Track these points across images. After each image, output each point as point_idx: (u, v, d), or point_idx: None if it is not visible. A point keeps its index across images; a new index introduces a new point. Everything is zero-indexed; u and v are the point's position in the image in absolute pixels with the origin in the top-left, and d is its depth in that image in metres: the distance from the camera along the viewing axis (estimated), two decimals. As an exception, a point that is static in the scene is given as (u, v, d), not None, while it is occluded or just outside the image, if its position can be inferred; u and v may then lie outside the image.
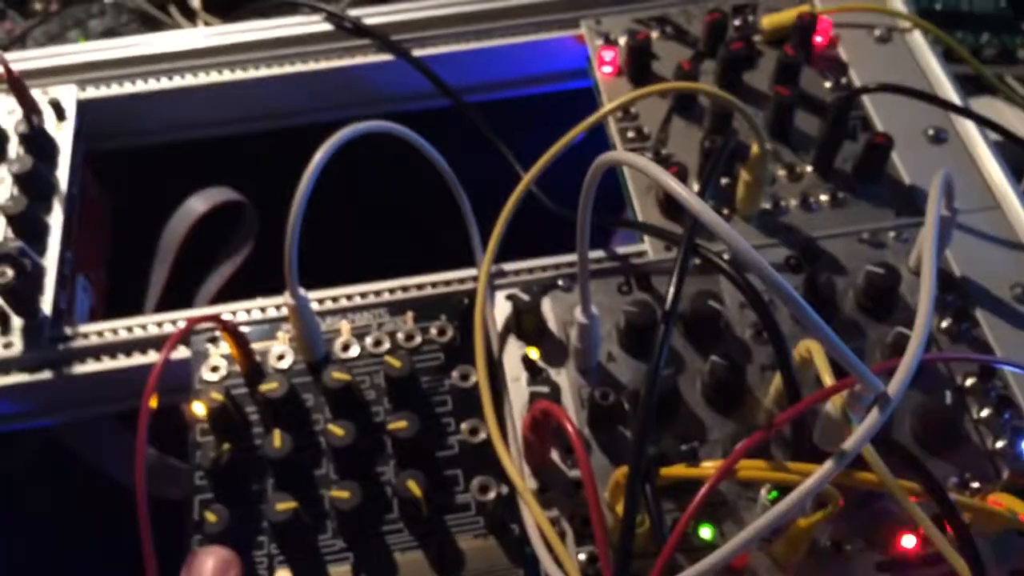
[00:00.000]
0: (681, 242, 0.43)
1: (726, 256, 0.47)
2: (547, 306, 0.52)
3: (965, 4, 0.87)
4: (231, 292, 0.54)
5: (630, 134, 0.59)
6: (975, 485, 0.45)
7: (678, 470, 0.40)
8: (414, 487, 0.43)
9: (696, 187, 0.55)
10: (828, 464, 0.32)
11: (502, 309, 0.52)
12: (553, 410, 0.41)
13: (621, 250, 0.54)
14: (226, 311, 0.52)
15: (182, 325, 0.50)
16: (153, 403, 0.42)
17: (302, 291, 0.46)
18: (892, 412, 0.33)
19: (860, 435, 0.33)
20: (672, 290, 0.42)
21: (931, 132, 0.58)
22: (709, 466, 0.40)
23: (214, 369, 0.49)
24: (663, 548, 0.36)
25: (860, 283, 0.51)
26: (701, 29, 0.63)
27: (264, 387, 0.46)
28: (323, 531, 0.45)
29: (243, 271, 0.65)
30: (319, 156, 0.43)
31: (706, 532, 0.44)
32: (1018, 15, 0.85)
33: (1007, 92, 0.72)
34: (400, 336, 0.51)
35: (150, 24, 0.76)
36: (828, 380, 0.40)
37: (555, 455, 0.47)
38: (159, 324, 0.52)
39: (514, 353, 0.50)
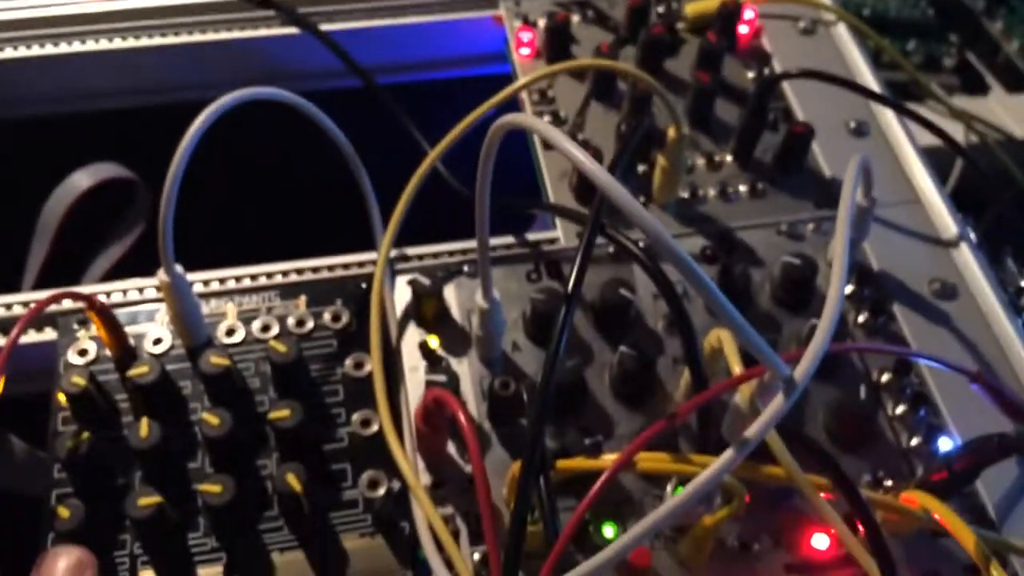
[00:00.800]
0: (588, 219, 0.41)
1: (641, 245, 0.44)
2: (450, 293, 0.49)
3: (892, 10, 0.87)
4: (122, 277, 0.50)
5: (546, 118, 0.57)
6: (888, 483, 0.43)
7: (575, 462, 0.37)
8: (293, 481, 0.39)
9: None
10: (729, 452, 0.30)
11: (402, 295, 0.48)
12: (445, 399, 0.38)
13: (532, 236, 0.52)
14: (100, 291, 0.47)
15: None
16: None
17: (179, 268, 0.43)
18: (799, 398, 0.30)
19: (764, 421, 0.30)
20: (576, 269, 0.39)
21: (853, 124, 0.57)
22: (608, 458, 0.37)
23: (82, 353, 0.45)
24: (555, 545, 0.33)
25: (776, 275, 0.49)
26: (623, 14, 0.61)
27: (133, 372, 0.42)
28: (194, 529, 0.41)
29: (135, 254, 0.61)
30: (198, 122, 0.40)
31: (609, 531, 0.42)
32: (944, 23, 0.85)
33: (933, 96, 0.72)
34: (291, 321, 0.47)
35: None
36: (737, 370, 0.38)
37: (452, 449, 0.44)
38: (25, 304, 0.48)
39: (413, 341, 0.47)
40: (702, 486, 0.30)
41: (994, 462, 0.37)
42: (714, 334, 0.41)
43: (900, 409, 0.45)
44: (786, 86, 0.58)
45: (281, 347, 0.43)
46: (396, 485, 0.42)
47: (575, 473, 0.38)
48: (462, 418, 0.37)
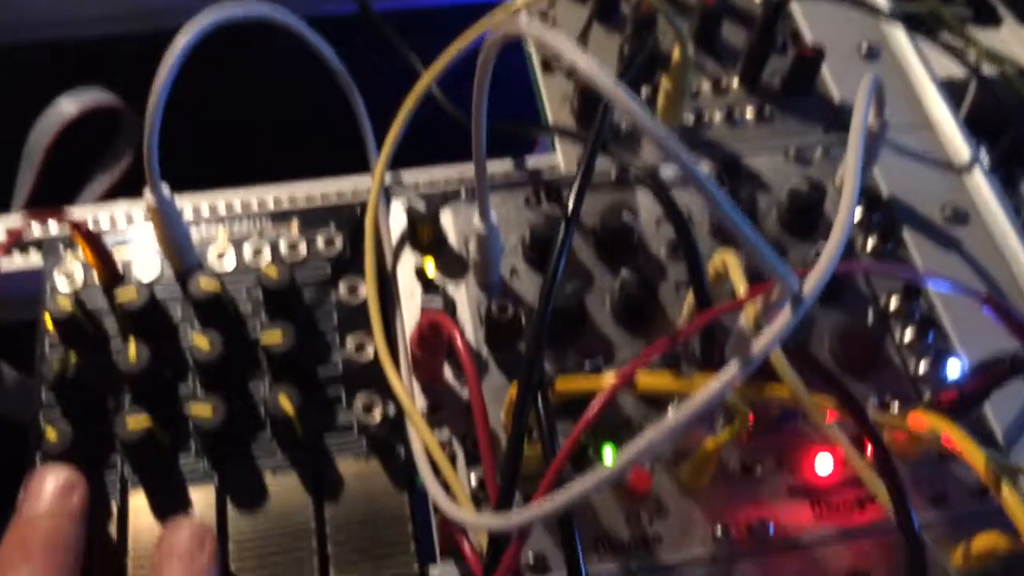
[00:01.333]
0: (590, 133, 0.39)
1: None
2: (447, 218, 0.48)
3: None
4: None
5: (546, 42, 0.55)
6: (895, 408, 0.42)
7: (573, 381, 0.36)
8: (285, 402, 0.38)
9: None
10: (732, 367, 0.29)
11: (398, 220, 0.47)
12: (441, 320, 0.37)
13: (531, 162, 0.50)
14: (87, 215, 0.46)
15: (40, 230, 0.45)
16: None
17: (166, 190, 0.41)
18: (806, 316, 0.29)
19: (770, 335, 0.29)
20: (576, 185, 0.37)
21: (864, 48, 0.55)
22: (608, 376, 0.36)
23: (69, 277, 0.44)
24: (551, 464, 0.32)
25: (783, 200, 0.47)
26: (627, -65, 0.58)
27: (120, 296, 0.41)
28: (186, 451, 0.40)
29: (126, 184, 0.60)
30: (186, 32, 0.38)
31: (608, 454, 0.41)
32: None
33: (947, 24, 0.69)
34: (283, 246, 0.46)
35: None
36: (742, 290, 0.36)
37: (449, 374, 0.43)
38: (9, 231, 0.47)
39: (409, 267, 0.46)
40: (705, 401, 0.29)
41: (1006, 382, 0.35)
42: (718, 256, 0.39)
43: (908, 334, 0.44)
44: (795, 7, 0.56)
45: (272, 272, 0.42)
46: (392, 410, 0.41)
47: (574, 394, 0.36)
48: (458, 339, 0.36)
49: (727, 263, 0.38)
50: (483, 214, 0.41)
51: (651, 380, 0.35)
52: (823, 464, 0.40)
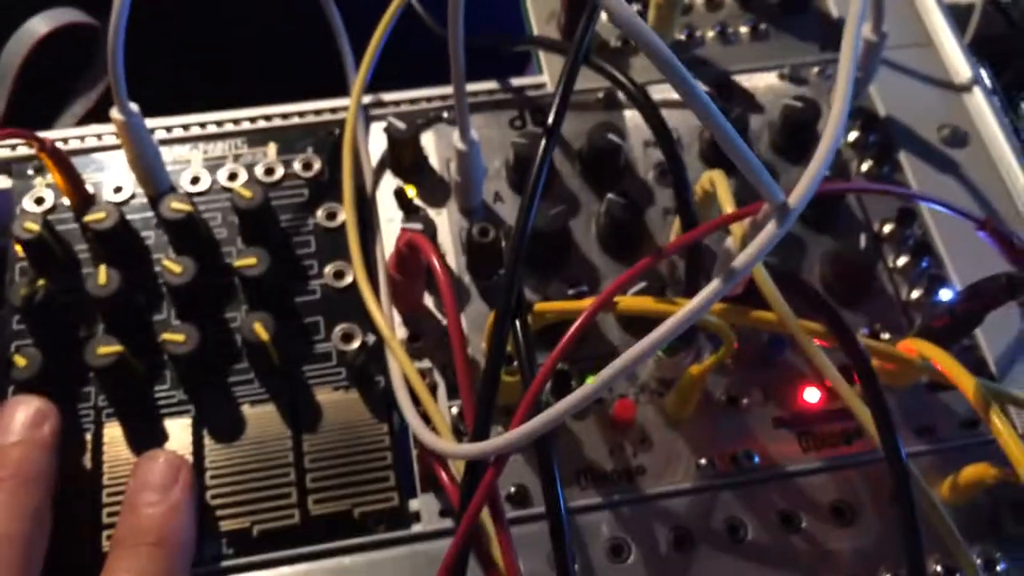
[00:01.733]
0: (574, 41, 0.37)
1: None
2: (428, 140, 0.46)
3: None
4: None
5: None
6: (885, 337, 0.41)
7: (553, 305, 0.35)
8: (260, 329, 0.37)
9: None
10: (715, 283, 0.28)
11: (378, 143, 0.46)
12: (418, 242, 0.36)
13: (516, 82, 0.48)
14: (56, 137, 0.44)
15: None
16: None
17: (134, 107, 0.40)
18: (792, 224, 0.28)
19: (755, 247, 0.28)
20: (559, 95, 0.36)
21: (865, -39, 0.52)
22: (589, 301, 0.35)
23: (38, 200, 0.42)
24: (527, 390, 0.32)
25: (776, 119, 0.46)
26: None
27: (90, 217, 0.40)
28: (161, 381, 0.39)
29: (102, 107, 0.58)
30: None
31: (592, 385, 0.40)
32: None
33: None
34: (259, 169, 0.44)
35: None
36: (729, 209, 0.35)
37: (429, 301, 0.42)
38: (-23, 151, 0.45)
39: (389, 191, 0.45)
40: (686, 316, 0.27)
41: (1000, 304, 0.34)
42: (706, 176, 0.38)
43: (901, 260, 0.43)
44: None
45: (246, 192, 0.41)
46: (371, 339, 0.40)
47: (555, 319, 0.35)
48: (435, 261, 0.34)
49: (714, 181, 0.37)
50: (462, 130, 0.40)
51: (632, 303, 0.34)
52: (810, 396, 0.39)
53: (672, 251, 0.32)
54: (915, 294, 0.42)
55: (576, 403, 0.28)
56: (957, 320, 0.35)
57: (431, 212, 0.44)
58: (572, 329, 0.31)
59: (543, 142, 0.35)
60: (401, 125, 0.44)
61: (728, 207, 0.35)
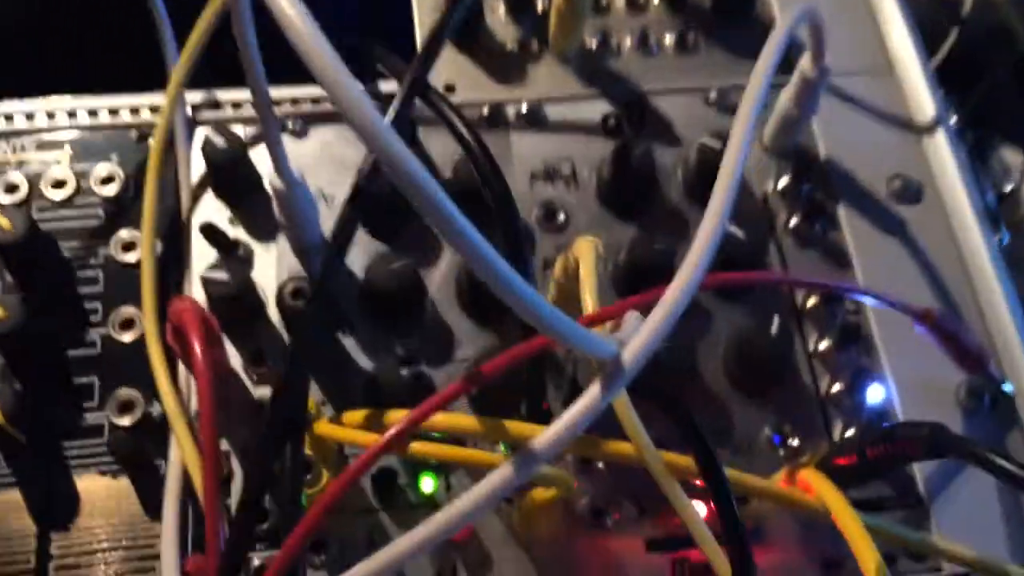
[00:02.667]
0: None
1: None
2: (261, 157, 0.37)
3: None
4: None
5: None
6: (795, 443, 0.34)
7: (335, 430, 0.27)
8: (-9, 408, 0.29)
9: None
10: (505, 468, 0.20)
11: (200, 157, 0.37)
12: (182, 315, 0.28)
13: (384, 87, 0.40)
14: None
15: None
16: None
17: None
18: (627, 382, 0.20)
19: (565, 423, 0.20)
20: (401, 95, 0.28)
21: (821, -36, 0.44)
22: (398, 414, 0.27)
23: None
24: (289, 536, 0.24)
25: (692, 159, 0.37)
26: None
27: None
28: None
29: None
30: None
31: (428, 484, 0.32)
32: None
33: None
34: (47, 182, 0.36)
35: None
36: (590, 304, 0.27)
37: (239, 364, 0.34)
38: None
39: (211, 215, 0.36)
40: (470, 512, 0.20)
41: (917, 460, 0.27)
42: (574, 250, 0.30)
43: (824, 344, 0.35)
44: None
45: (3, 222, 0.32)
46: (156, 410, 0.32)
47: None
48: (196, 347, 0.26)
49: (580, 259, 0.29)
50: (277, 165, 0.31)
51: (429, 446, 0.26)
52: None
53: (490, 375, 0.24)
54: (836, 387, 0.35)
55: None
56: (864, 465, 0.27)
57: (258, 249, 0.36)
58: (347, 475, 0.23)
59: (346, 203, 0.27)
60: (220, 141, 0.35)
61: (589, 302, 0.26)
